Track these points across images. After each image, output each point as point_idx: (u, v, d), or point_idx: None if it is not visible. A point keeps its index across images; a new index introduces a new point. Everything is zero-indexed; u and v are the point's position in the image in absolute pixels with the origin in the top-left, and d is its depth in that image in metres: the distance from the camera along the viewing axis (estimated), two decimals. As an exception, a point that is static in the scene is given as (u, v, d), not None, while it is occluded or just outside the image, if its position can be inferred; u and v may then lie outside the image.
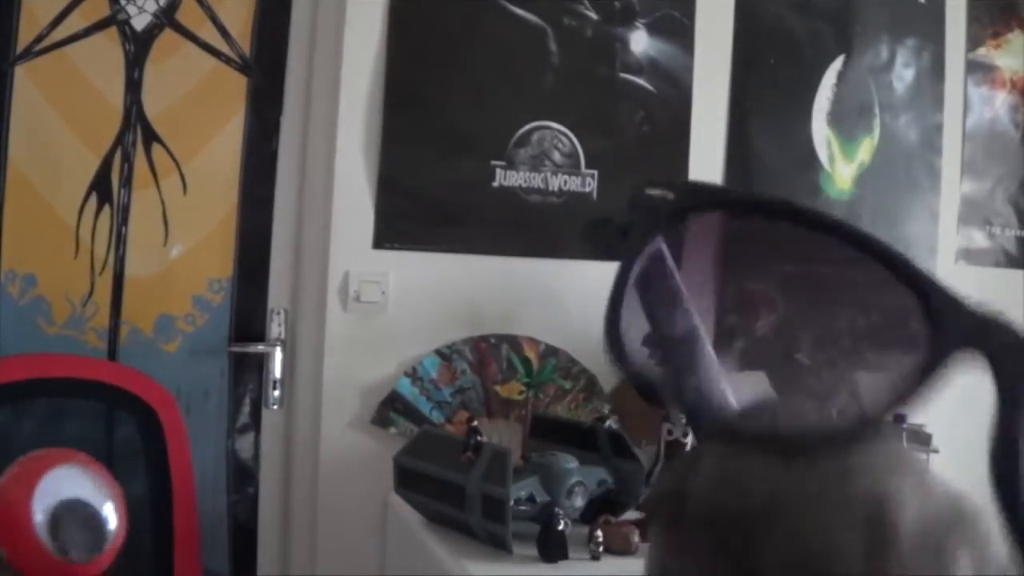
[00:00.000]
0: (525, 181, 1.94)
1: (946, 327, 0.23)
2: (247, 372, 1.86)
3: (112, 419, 1.70)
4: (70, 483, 0.22)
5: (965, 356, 0.24)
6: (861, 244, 0.25)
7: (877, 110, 2.35)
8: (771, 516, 0.22)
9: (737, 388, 0.26)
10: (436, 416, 1.86)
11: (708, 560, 0.23)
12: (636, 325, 0.26)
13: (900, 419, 1.90)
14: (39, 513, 0.20)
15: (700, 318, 0.27)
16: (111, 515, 0.22)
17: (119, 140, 1.75)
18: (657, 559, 0.25)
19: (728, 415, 0.25)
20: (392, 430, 1.83)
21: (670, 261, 0.26)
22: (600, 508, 1.51)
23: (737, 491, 0.22)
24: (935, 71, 2.44)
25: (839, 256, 0.25)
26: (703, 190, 0.27)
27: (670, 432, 1.67)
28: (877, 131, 2.35)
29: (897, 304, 0.24)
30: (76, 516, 0.21)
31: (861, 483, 0.22)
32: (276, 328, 1.87)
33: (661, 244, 0.26)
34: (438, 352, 1.88)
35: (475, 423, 1.57)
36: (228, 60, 1.82)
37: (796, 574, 0.21)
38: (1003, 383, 0.23)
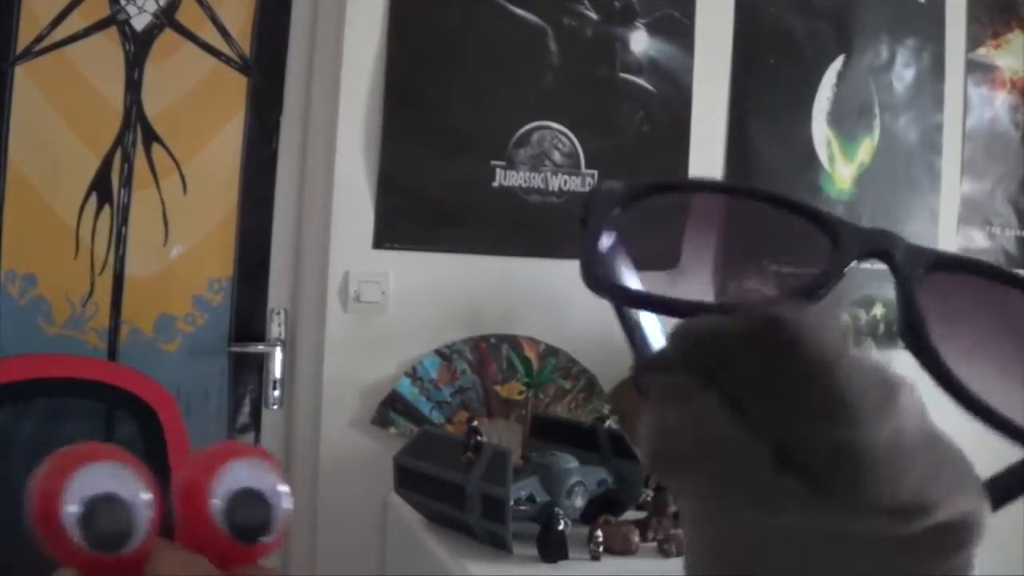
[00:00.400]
0: (525, 181, 1.94)
1: (844, 243, 0.30)
2: (247, 372, 1.86)
3: (112, 419, 1.70)
4: (245, 474, 0.24)
5: (863, 262, 0.30)
6: (768, 198, 0.32)
7: (877, 110, 2.35)
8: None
9: None
10: (436, 416, 1.86)
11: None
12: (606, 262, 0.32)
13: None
14: (217, 499, 0.22)
15: (657, 262, 0.34)
16: (285, 498, 0.24)
17: (119, 140, 1.75)
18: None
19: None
20: (392, 430, 1.83)
21: (622, 234, 0.32)
22: (600, 508, 1.51)
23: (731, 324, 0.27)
24: (935, 71, 2.44)
25: (755, 211, 0.32)
26: (645, 182, 0.33)
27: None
28: (877, 131, 2.36)
29: (806, 238, 0.31)
30: (247, 501, 0.23)
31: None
32: (276, 328, 1.87)
33: (614, 219, 0.32)
34: (438, 352, 1.88)
35: (475, 423, 1.57)
36: (228, 60, 1.82)
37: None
38: (899, 274, 0.29)
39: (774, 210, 0.32)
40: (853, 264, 0.30)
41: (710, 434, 0.26)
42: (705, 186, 0.34)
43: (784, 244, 0.32)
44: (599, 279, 0.31)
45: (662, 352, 0.29)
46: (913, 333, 0.29)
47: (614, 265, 0.32)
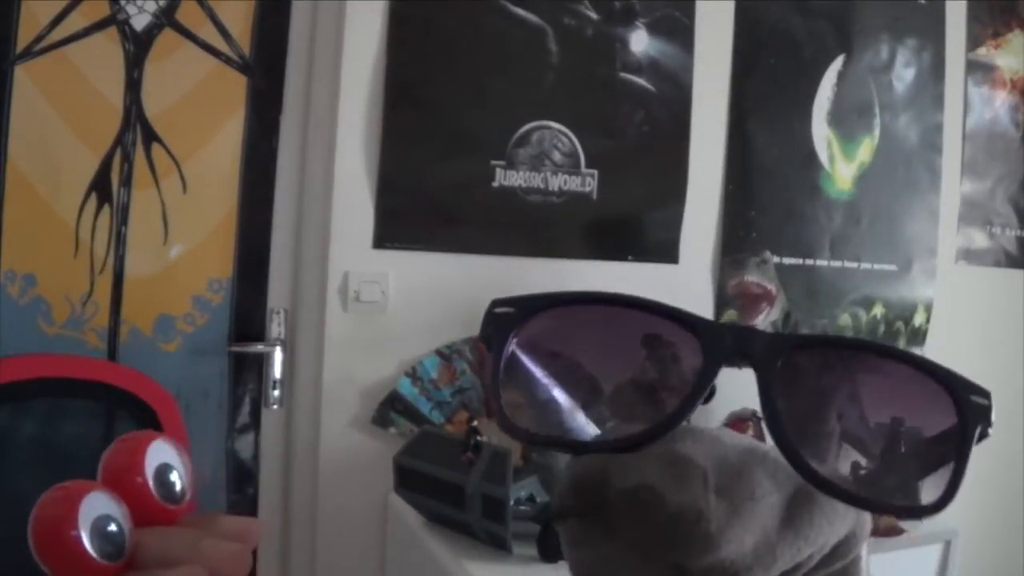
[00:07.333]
0: (525, 181, 1.94)
1: (708, 348, 0.34)
2: (247, 372, 1.86)
3: (112, 419, 1.70)
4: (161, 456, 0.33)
5: (729, 362, 0.34)
6: (635, 303, 0.37)
7: (877, 110, 2.35)
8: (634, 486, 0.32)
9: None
10: (436, 416, 1.86)
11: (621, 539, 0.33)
12: (514, 398, 0.38)
13: (898, 421, 1.91)
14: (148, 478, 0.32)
15: (555, 383, 0.38)
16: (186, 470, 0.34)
17: (119, 140, 1.75)
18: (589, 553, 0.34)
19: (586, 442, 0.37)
20: (392, 430, 1.83)
21: (522, 356, 0.38)
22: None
23: (609, 481, 0.33)
24: (935, 71, 2.44)
25: (629, 317, 0.37)
26: (533, 299, 0.39)
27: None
28: (877, 131, 2.36)
29: (677, 341, 0.35)
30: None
31: (664, 453, 0.33)
32: (276, 328, 1.87)
33: (513, 346, 0.38)
34: (438, 352, 1.88)
35: (475, 423, 1.57)
36: (228, 60, 1.82)
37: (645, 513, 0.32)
38: (759, 371, 0.34)
39: (648, 316, 0.37)
40: (721, 368, 0.34)
41: (618, 570, 0.33)
42: (588, 298, 0.39)
43: (659, 350, 0.37)
44: (506, 426, 0.37)
45: (565, 500, 0.35)
46: (772, 428, 0.33)
47: (521, 380, 0.37)
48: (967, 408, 0.31)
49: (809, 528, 0.33)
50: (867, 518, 0.34)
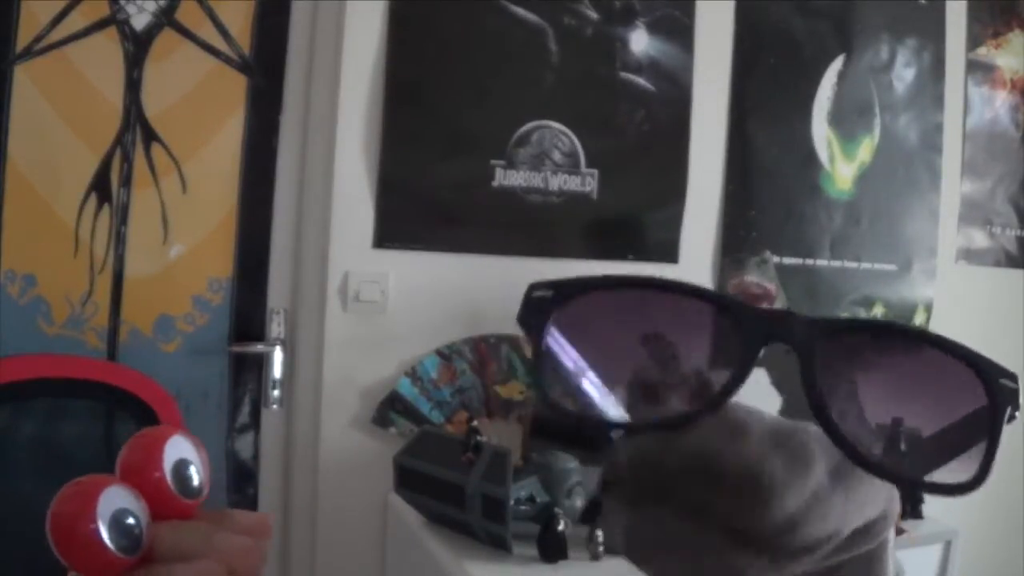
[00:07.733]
0: (525, 181, 1.94)
1: (747, 331, 0.35)
2: (247, 372, 1.86)
3: (112, 419, 1.70)
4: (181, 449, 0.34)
5: (768, 345, 0.35)
6: (675, 287, 0.38)
7: (877, 110, 2.35)
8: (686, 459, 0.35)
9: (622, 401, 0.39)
10: (436, 416, 1.85)
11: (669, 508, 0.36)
12: (552, 379, 0.39)
13: (898, 422, 1.91)
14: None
15: (595, 365, 0.39)
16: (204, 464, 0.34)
17: (119, 140, 1.75)
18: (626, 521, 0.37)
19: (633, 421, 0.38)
20: (392, 430, 1.83)
21: (556, 347, 0.39)
22: (600, 508, 1.51)
23: (665, 452, 0.35)
24: (935, 71, 2.44)
25: (667, 299, 0.38)
26: (570, 283, 0.39)
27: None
28: (877, 131, 2.35)
29: (714, 324, 0.36)
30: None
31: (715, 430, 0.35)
32: (276, 328, 1.87)
33: (552, 329, 0.38)
34: (438, 352, 1.88)
35: (475, 423, 1.57)
36: (228, 60, 1.82)
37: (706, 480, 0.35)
38: (799, 352, 0.34)
39: (686, 299, 0.38)
40: (762, 353, 0.35)
41: (673, 534, 0.35)
42: (623, 282, 0.40)
43: (697, 333, 0.38)
44: (552, 405, 0.38)
45: (618, 471, 0.36)
46: (815, 406, 0.34)
47: (560, 363, 0.38)
48: (997, 390, 0.33)
49: (856, 491, 0.35)
50: (897, 502, 0.37)
